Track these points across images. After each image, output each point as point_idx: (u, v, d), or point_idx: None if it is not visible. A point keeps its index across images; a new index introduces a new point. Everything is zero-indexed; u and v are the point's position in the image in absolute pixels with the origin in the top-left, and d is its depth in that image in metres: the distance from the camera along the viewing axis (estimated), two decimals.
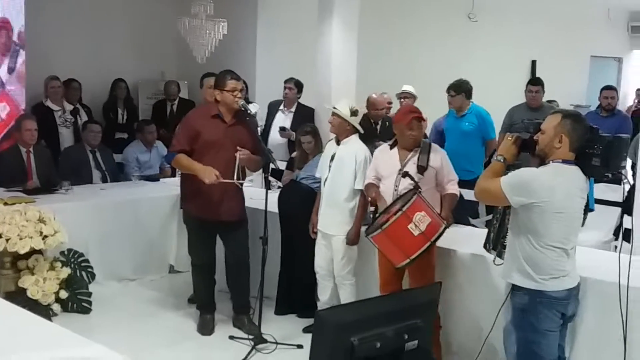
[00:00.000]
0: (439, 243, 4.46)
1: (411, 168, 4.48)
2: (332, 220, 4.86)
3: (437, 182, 4.56)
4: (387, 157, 4.62)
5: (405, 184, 4.40)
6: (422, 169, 4.46)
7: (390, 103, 7.30)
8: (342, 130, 4.87)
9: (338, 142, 4.91)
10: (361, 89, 7.60)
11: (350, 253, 4.85)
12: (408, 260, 4.16)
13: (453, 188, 4.56)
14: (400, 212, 4.14)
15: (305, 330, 5.05)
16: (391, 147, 4.65)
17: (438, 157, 4.56)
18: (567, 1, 11.58)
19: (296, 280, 5.36)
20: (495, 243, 4.00)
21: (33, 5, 7.39)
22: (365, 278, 4.92)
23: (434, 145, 4.66)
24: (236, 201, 4.92)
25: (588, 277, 3.77)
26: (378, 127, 6.73)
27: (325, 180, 4.88)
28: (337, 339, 2.65)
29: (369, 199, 4.58)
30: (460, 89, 6.72)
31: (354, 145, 4.88)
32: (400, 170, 4.49)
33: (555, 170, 3.37)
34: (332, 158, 4.86)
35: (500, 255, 3.96)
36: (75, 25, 8.31)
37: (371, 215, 4.61)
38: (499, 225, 3.99)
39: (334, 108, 4.86)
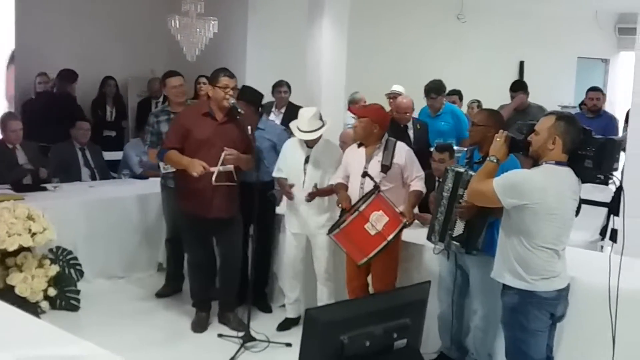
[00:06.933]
0: (406, 238, 4.56)
1: (375, 166, 4.54)
2: (314, 219, 4.93)
3: (403, 180, 4.61)
4: (355, 156, 4.67)
5: (371, 182, 4.46)
6: (385, 168, 4.52)
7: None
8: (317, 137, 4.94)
9: (309, 145, 4.92)
10: (351, 89, 7.63)
11: (330, 250, 4.93)
12: (366, 259, 4.29)
13: (418, 185, 4.60)
14: (356, 213, 4.26)
15: (280, 328, 5.12)
16: (359, 145, 4.69)
17: (403, 154, 4.60)
18: (555, 3, 11.64)
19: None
20: (442, 235, 4.07)
21: (23, 2, 7.37)
22: (338, 274, 5.01)
23: (400, 143, 4.68)
24: (228, 199, 4.89)
25: (576, 277, 3.79)
26: (411, 131, 6.43)
27: (303, 183, 4.90)
28: (327, 338, 2.66)
29: (338, 205, 4.61)
30: (440, 91, 6.77)
31: (327, 144, 4.99)
32: (364, 168, 4.55)
33: (547, 172, 3.40)
34: (306, 161, 4.90)
35: (448, 247, 4.05)
36: (65, 23, 8.30)
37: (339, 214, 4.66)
38: (445, 218, 4.04)
39: (315, 130, 4.85)
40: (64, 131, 6.93)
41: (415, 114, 6.90)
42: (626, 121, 7.40)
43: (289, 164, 4.98)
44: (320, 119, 4.92)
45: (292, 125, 4.98)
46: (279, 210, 5.43)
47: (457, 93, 8.35)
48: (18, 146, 6.41)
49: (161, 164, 5.43)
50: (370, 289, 4.71)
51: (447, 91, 6.90)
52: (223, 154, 4.66)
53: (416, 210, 4.84)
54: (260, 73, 8.35)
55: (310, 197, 4.82)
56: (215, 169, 4.64)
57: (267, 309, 5.49)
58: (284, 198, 5.08)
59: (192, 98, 7.16)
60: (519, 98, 7.13)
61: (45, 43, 8.05)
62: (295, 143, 5.01)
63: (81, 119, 7.20)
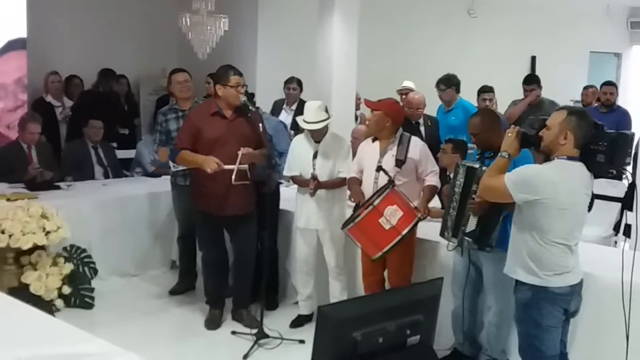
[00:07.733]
0: (420, 234, 4.55)
1: (389, 161, 4.53)
2: (324, 215, 4.93)
3: (417, 174, 4.60)
4: (369, 151, 4.67)
5: (385, 177, 4.46)
6: (400, 163, 4.52)
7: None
8: (324, 131, 4.93)
9: (316, 140, 4.93)
10: (361, 85, 7.62)
11: (341, 244, 4.95)
12: (381, 253, 4.30)
13: (433, 180, 4.59)
14: (371, 207, 4.27)
15: (293, 325, 5.12)
16: (373, 140, 4.68)
17: (417, 149, 4.60)
18: None
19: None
20: (455, 231, 4.05)
21: (35, 2, 7.40)
22: (351, 269, 5.04)
23: (414, 138, 4.68)
24: (242, 195, 4.86)
25: (589, 273, 3.78)
26: (422, 128, 6.41)
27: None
28: (340, 334, 2.66)
29: (350, 199, 4.62)
30: (450, 83, 6.73)
31: (334, 137, 4.98)
32: (379, 162, 4.55)
33: (559, 167, 3.38)
34: (315, 156, 4.90)
35: (461, 243, 4.04)
36: (77, 22, 8.32)
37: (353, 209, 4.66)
38: (457, 213, 4.02)
39: (321, 121, 4.85)
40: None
41: (428, 110, 6.88)
42: None
43: (298, 160, 4.98)
44: (326, 111, 4.92)
45: (299, 118, 4.98)
46: (287, 206, 5.44)
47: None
48: (33, 145, 6.47)
49: (170, 162, 5.44)
50: (386, 284, 4.70)
51: (459, 84, 6.82)
52: (240, 154, 4.63)
53: (434, 203, 4.83)
54: (271, 70, 8.36)
55: (313, 189, 4.81)
56: (232, 167, 4.59)
57: (274, 306, 5.48)
58: (294, 193, 5.09)
59: (205, 97, 7.17)
60: (534, 93, 7.06)
61: (57, 42, 8.08)
62: (302, 139, 5.01)
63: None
